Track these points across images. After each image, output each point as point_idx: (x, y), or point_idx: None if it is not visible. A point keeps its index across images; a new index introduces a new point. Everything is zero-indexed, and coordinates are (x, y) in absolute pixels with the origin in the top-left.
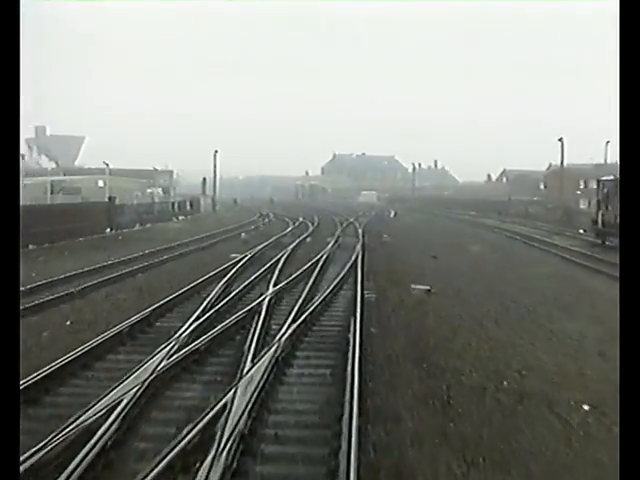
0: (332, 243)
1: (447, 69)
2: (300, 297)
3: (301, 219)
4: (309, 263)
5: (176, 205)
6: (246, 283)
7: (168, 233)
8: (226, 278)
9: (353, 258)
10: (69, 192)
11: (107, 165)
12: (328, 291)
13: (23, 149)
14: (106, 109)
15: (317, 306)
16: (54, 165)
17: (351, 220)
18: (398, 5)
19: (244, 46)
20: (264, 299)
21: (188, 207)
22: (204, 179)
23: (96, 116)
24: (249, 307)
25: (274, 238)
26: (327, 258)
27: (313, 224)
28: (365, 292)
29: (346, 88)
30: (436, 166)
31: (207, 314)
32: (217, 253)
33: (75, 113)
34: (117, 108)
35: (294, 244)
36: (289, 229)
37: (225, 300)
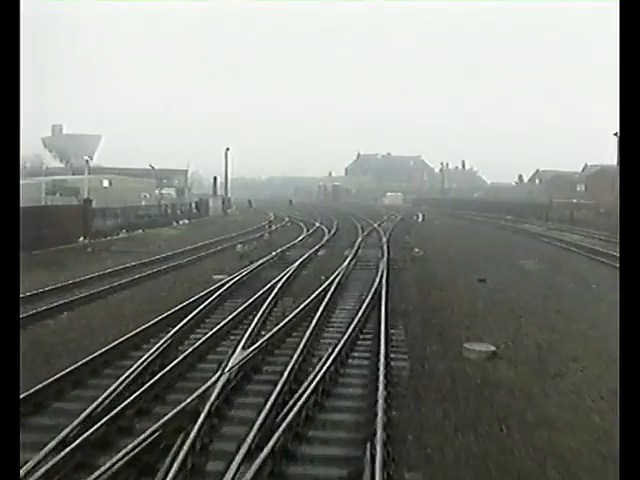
0: (350, 258)
1: (475, 68)
2: (283, 373)
3: (318, 224)
4: (313, 294)
5: (178, 207)
6: (208, 336)
7: (155, 242)
8: (184, 322)
9: (375, 284)
10: (67, 193)
11: (87, 161)
12: (332, 357)
13: (37, 149)
14: (124, 109)
15: (309, 397)
16: (60, 164)
17: (375, 226)
18: (424, 4)
19: (267, 46)
20: (217, 381)
21: (194, 209)
22: (215, 178)
23: (113, 116)
24: (184, 404)
25: (279, 250)
26: (340, 284)
27: (331, 231)
28: (392, 355)
29: (371, 88)
30: (464, 167)
31: (107, 416)
32: (198, 273)
33: (91, 113)
34: (135, 108)
35: (302, 259)
36: (301, 237)
37: (154, 379)
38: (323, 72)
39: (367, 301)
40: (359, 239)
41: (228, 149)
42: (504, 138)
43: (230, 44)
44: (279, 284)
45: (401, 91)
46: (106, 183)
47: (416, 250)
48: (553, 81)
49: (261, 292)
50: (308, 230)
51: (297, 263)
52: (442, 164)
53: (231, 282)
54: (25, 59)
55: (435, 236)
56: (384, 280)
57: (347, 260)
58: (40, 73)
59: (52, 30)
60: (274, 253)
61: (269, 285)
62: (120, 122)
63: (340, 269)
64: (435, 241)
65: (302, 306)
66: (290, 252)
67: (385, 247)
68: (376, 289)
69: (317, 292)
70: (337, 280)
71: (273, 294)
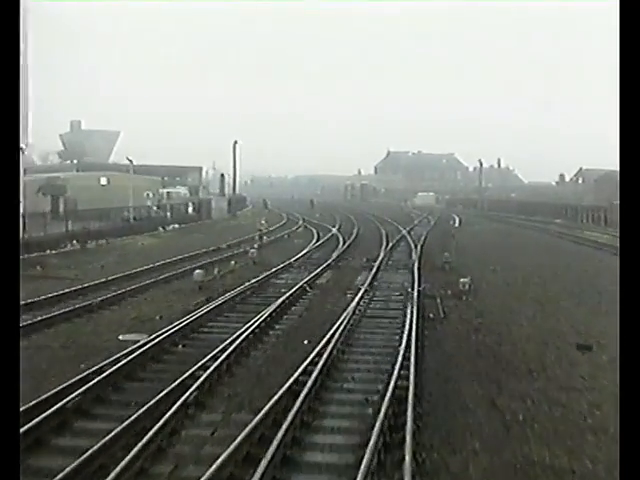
0: (362, 293)
1: (510, 65)
2: None
3: (335, 231)
4: (274, 398)
5: (168, 209)
6: None
7: (104, 260)
8: None
9: (397, 364)
10: (51, 192)
11: (22, 150)
12: None
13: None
14: (149, 106)
15: None
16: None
17: (403, 232)
18: (454, 4)
19: (294, 46)
20: None
21: (190, 211)
22: (222, 176)
23: (137, 113)
24: None
25: (263, 276)
26: (331, 358)
27: (347, 241)
28: None
29: (403, 85)
30: (499, 165)
31: None
32: (102, 328)
33: (114, 110)
34: (161, 105)
35: (288, 295)
36: (305, 252)
37: None
38: (355, 70)
39: (376, 430)
40: (381, 255)
41: (236, 142)
42: (541, 136)
43: (259, 42)
44: (222, 356)
45: (435, 88)
46: (104, 181)
47: (463, 280)
48: (586, 80)
49: (174, 385)
50: (319, 240)
51: (276, 304)
52: (480, 160)
53: (136, 353)
54: (46, 57)
55: (481, 249)
56: (412, 351)
57: (357, 298)
58: (63, 70)
59: (75, 29)
60: (252, 281)
61: (201, 363)
62: (143, 119)
63: (342, 320)
64: (483, 258)
65: (232, 447)
66: (278, 279)
67: (416, 269)
68: (397, 383)
69: (282, 390)
70: (329, 350)
71: (194, 389)
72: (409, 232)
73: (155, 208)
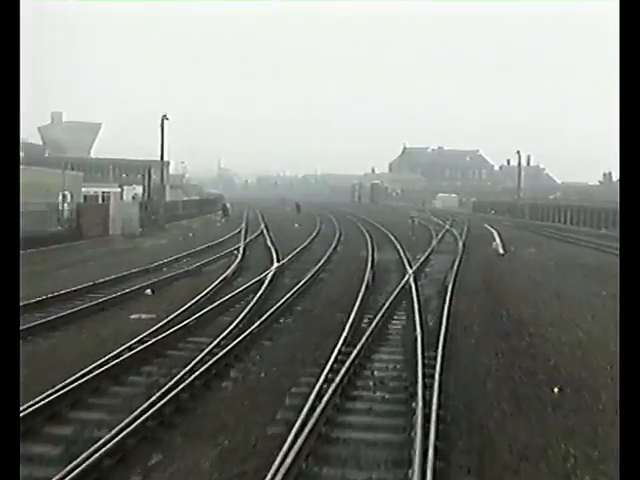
0: None
1: (539, 63)
2: None
3: (274, 267)
4: None
5: None
6: None
7: None
8: None
9: None
10: None
11: None
12: None
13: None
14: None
15: None
16: None
17: (408, 275)
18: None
19: (309, 46)
20: None
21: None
22: (149, 172)
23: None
24: None
25: None
26: None
27: (279, 309)
28: None
29: (422, 80)
30: (528, 163)
31: None
32: None
33: (96, 105)
34: (166, 105)
35: None
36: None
37: None
38: (376, 66)
39: None
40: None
41: (165, 117)
42: (574, 134)
43: (269, 40)
44: None
45: (459, 85)
46: None
47: None
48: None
49: None
50: (200, 316)
51: None
52: (518, 153)
53: None
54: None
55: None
56: None
57: None
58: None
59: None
60: None
61: None
62: (153, 118)
63: None
64: None
65: None
66: None
67: None
68: None
69: None
70: None
71: None
72: (418, 274)
73: None
